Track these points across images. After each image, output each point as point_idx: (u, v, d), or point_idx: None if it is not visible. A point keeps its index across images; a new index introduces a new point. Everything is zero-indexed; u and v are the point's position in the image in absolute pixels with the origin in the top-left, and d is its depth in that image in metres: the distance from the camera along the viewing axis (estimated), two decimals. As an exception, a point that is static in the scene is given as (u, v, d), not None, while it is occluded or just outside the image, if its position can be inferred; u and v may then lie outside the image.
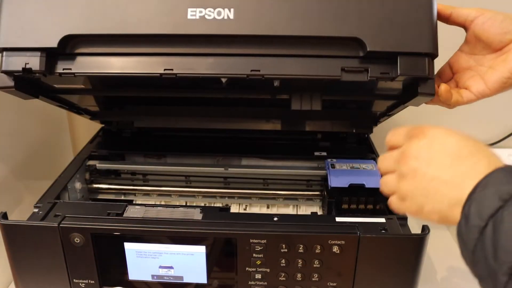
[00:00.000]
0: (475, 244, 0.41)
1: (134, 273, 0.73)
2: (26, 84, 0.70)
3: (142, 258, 0.71)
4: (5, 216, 0.71)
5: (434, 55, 0.64)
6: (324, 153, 0.97)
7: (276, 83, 0.67)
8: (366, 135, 1.07)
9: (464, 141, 0.50)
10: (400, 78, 0.65)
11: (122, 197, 0.96)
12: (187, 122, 1.05)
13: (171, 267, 0.72)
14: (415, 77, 0.65)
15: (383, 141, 1.00)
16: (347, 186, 0.85)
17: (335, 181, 0.86)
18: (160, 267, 0.72)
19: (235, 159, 0.98)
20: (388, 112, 0.89)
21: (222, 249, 0.70)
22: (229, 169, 0.93)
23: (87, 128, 1.25)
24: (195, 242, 0.70)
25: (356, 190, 0.86)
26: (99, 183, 0.96)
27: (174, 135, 1.08)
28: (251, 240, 0.68)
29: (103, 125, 1.08)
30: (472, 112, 1.19)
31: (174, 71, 0.65)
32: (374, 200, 0.88)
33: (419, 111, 1.18)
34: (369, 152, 1.00)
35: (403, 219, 0.76)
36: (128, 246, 0.70)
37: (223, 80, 0.67)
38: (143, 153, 1.00)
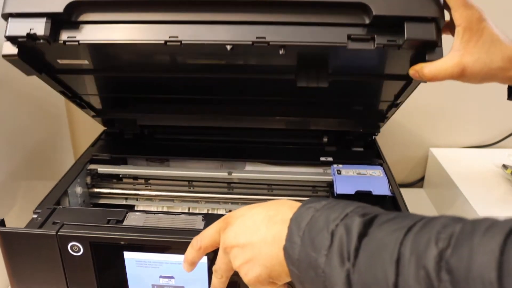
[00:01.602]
0: (299, 251, 0.45)
1: (134, 283, 0.71)
2: (30, 54, 0.70)
3: (142, 268, 0.69)
4: (2, 223, 0.69)
5: (441, 20, 0.63)
6: (330, 158, 0.95)
7: (281, 51, 0.65)
8: (373, 137, 1.05)
9: (267, 204, 0.54)
10: (407, 45, 0.63)
11: (124, 202, 0.94)
12: (190, 120, 1.03)
13: (172, 277, 0.70)
14: (422, 44, 0.63)
15: (386, 143, 1.00)
16: (353, 193, 0.83)
17: (341, 188, 0.84)
18: (161, 277, 0.70)
19: (239, 164, 0.96)
20: (396, 101, 0.87)
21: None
22: (233, 174, 0.91)
23: (87, 129, 1.24)
24: (196, 251, 0.68)
25: (363, 197, 0.84)
26: (101, 188, 0.94)
27: (177, 138, 1.06)
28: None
29: (105, 128, 1.07)
30: (472, 112, 1.19)
31: (179, 38, 0.64)
32: (381, 207, 0.85)
33: (420, 113, 1.18)
34: (376, 158, 0.97)
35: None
36: (128, 255, 0.69)
37: (228, 47, 0.65)
38: (145, 157, 0.98)
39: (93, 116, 1.02)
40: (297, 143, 1.05)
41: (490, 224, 0.36)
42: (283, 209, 0.51)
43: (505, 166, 1.06)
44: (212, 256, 0.68)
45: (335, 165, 0.91)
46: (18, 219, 0.91)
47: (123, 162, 0.98)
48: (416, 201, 0.84)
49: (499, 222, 0.36)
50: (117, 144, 1.03)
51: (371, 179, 0.87)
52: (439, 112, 1.22)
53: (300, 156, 0.97)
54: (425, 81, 0.71)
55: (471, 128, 1.24)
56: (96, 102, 0.97)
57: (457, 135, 1.24)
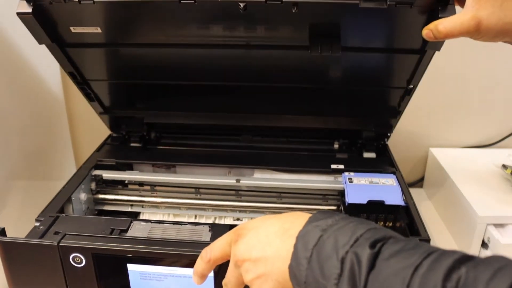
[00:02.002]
0: (306, 274, 0.44)
1: (138, 295, 0.69)
2: (44, 16, 0.70)
3: (146, 281, 0.67)
4: (3, 232, 0.67)
5: None
6: (342, 166, 0.92)
7: (294, 9, 0.65)
8: (385, 140, 1.03)
9: (281, 216, 0.52)
10: (420, 2, 0.63)
11: (129, 209, 0.92)
12: (198, 118, 1.01)
13: (176, 290, 0.68)
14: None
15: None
16: (365, 203, 0.80)
17: (353, 197, 0.81)
18: (165, 290, 0.68)
19: (247, 171, 0.94)
20: (408, 85, 0.84)
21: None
22: (241, 181, 0.89)
23: (87, 129, 1.24)
24: (202, 264, 0.65)
25: (375, 207, 0.81)
26: (105, 194, 0.92)
27: (184, 143, 1.04)
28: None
29: (111, 133, 1.05)
30: (472, 112, 1.19)
31: None
32: (394, 217, 0.83)
33: (420, 113, 1.16)
34: (388, 165, 0.94)
35: (426, 240, 0.71)
36: (132, 267, 0.66)
37: (241, 5, 0.65)
38: (151, 163, 0.96)
39: (100, 113, 1.00)
40: (308, 149, 1.02)
41: (493, 273, 0.35)
42: (299, 222, 0.49)
43: (505, 166, 1.05)
44: (218, 269, 0.65)
45: (346, 173, 0.88)
46: (16, 219, 0.90)
47: (128, 168, 0.96)
48: (416, 201, 0.83)
49: (503, 270, 0.35)
50: (123, 149, 1.02)
51: (384, 188, 0.84)
52: (439, 112, 1.22)
53: (311, 164, 0.94)
54: (438, 49, 0.71)
55: (471, 128, 1.23)
56: (104, 93, 0.95)
57: (457, 135, 1.24)
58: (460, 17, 0.62)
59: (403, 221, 0.81)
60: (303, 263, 0.44)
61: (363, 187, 0.84)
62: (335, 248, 0.43)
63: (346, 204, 0.81)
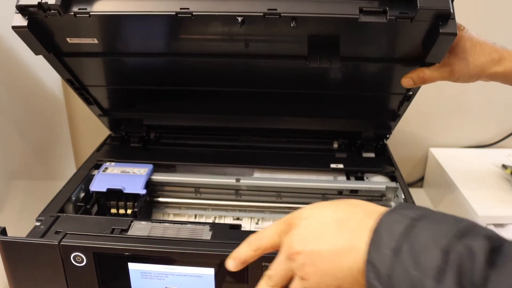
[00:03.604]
0: (391, 266, 0.40)
1: (139, 294, 0.69)
2: (40, 29, 0.70)
3: (147, 279, 0.67)
4: (3, 232, 0.67)
5: None
6: (341, 165, 0.92)
7: (292, 24, 0.65)
8: (384, 140, 1.04)
9: (337, 205, 0.49)
10: (420, 17, 0.63)
11: (129, 209, 0.92)
12: (197, 120, 1.02)
13: (177, 289, 0.68)
14: (435, 15, 0.63)
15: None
16: (105, 190, 0.85)
17: (96, 186, 0.87)
18: (166, 288, 0.68)
19: (247, 170, 0.94)
20: (408, 92, 0.84)
21: (231, 271, 0.66)
22: (241, 180, 0.89)
23: (87, 129, 1.24)
24: (203, 263, 0.65)
25: (116, 195, 0.85)
26: (105, 194, 0.92)
27: (183, 143, 1.04)
28: (263, 263, 0.63)
29: (110, 133, 1.05)
30: (472, 112, 1.20)
31: (190, 10, 0.64)
32: (132, 204, 0.86)
33: (420, 113, 1.17)
34: (387, 165, 0.94)
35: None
36: (132, 266, 0.66)
37: (239, 19, 0.65)
38: (151, 163, 0.96)
39: (99, 116, 1.00)
40: (307, 149, 1.02)
41: None
42: (357, 213, 0.46)
43: (504, 166, 1.06)
44: (219, 268, 0.66)
45: (107, 163, 0.92)
46: (17, 219, 0.90)
47: (128, 167, 0.96)
48: (416, 201, 0.83)
49: None
50: (122, 149, 1.02)
51: (131, 177, 0.88)
52: (439, 112, 1.23)
53: (310, 163, 0.94)
54: (438, 60, 0.73)
55: (471, 128, 1.24)
56: (103, 97, 0.95)
57: (456, 135, 1.25)
58: (436, 66, 0.72)
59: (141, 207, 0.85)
60: (386, 253, 0.40)
61: (112, 176, 0.88)
62: (433, 236, 0.39)
63: (90, 192, 0.86)
